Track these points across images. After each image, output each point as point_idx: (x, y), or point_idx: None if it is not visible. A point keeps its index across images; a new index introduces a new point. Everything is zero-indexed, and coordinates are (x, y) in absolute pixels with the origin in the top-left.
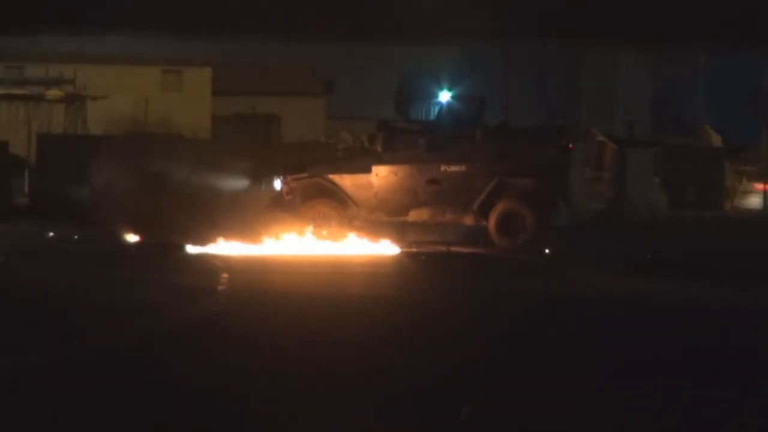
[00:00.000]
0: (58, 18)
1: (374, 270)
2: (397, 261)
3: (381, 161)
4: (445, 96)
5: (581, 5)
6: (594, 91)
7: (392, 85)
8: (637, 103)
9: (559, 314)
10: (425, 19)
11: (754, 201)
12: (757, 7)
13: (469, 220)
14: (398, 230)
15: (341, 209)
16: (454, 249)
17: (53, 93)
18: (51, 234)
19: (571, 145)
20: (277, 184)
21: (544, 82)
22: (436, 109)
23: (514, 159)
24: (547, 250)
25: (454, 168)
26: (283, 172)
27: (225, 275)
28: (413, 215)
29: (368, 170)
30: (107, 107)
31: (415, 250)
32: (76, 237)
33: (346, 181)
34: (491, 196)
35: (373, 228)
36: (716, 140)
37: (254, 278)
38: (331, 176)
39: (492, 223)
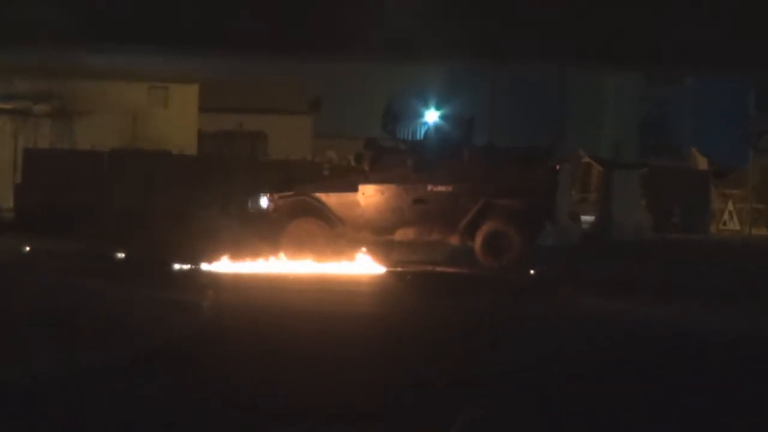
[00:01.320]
0: (47, 33)
1: (358, 289)
2: (382, 280)
3: (368, 180)
4: (432, 116)
5: (568, 27)
6: (581, 112)
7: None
8: (623, 125)
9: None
10: (413, 39)
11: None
12: (744, 31)
13: (455, 240)
14: (384, 249)
15: (327, 228)
16: (439, 269)
17: (40, 108)
18: (28, 248)
19: (558, 166)
20: (263, 201)
21: (531, 104)
22: (424, 129)
23: (501, 179)
24: (532, 271)
25: (440, 188)
26: (269, 189)
27: (211, 292)
28: (399, 234)
29: (355, 189)
30: (94, 122)
31: (400, 269)
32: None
33: (333, 199)
34: (477, 217)
35: (359, 247)
36: (703, 163)
37: (240, 296)
38: (317, 194)
39: (478, 243)
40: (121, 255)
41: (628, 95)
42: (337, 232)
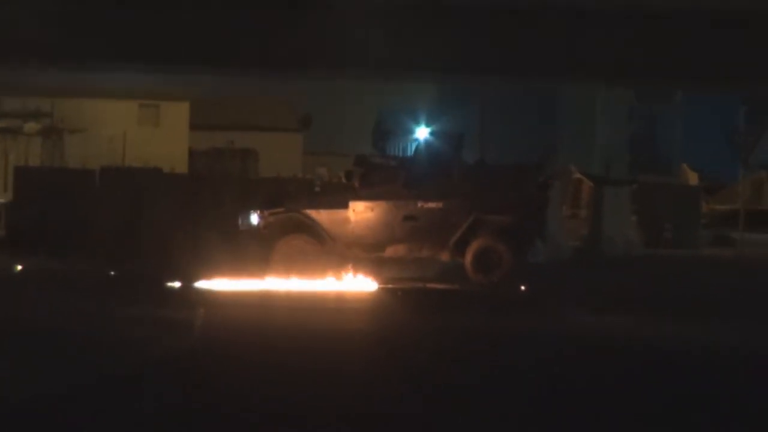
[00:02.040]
0: (35, 51)
1: (349, 306)
2: (374, 297)
3: (358, 197)
4: (422, 132)
5: (560, 44)
6: (571, 129)
7: (369, 122)
8: (613, 141)
9: (532, 353)
10: (403, 55)
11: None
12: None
13: (445, 257)
14: (375, 266)
15: (318, 244)
16: (430, 285)
17: (31, 126)
18: (20, 267)
19: (549, 182)
20: (254, 218)
21: (522, 120)
22: (414, 146)
23: (491, 196)
24: (522, 287)
25: (431, 204)
26: (260, 206)
27: (202, 309)
28: (390, 251)
29: (345, 206)
30: (85, 141)
31: (391, 286)
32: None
33: (323, 216)
34: (467, 233)
35: (350, 264)
36: (693, 179)
37: (231, 313)
38: (308, 211)
39: (468, 259)
40: (112, 273)
41: (618, 112)
42: (328, 249)
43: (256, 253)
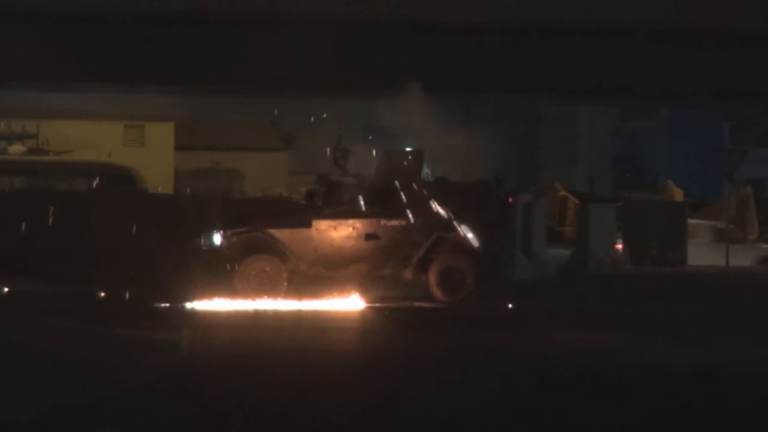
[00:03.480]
0: (20, 72)
1: (336, 325)
2: (361, 316)
3: (321, 215)
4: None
5: (540, 60)
6: (554, 145)
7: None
8: (597, 158)
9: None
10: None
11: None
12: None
13: (408, 275)
14: (338, 285)
15: (281, 263)
16: (417, 303)
17: (15, 148)
18: (6, 289)
19: (510, 199)
20: (217, 238)
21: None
22: (375, 164)
23: (453, 213)
24: (510, 305)
25: (393, 222)
26: (223, 226)
27: (187, 330)
28: (352, 269)
29: (309, 224)
30: None
31: (379, 305)
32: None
33: (287, 235)
34: (430, 251)
35: (314, 283)
36: (679, 195)
37: (218, 333)
38: (271, 230)
39: (432, 278)
40: (97, 294)
41: (602, 129)
42: (290, 268)
43: (219, 273)
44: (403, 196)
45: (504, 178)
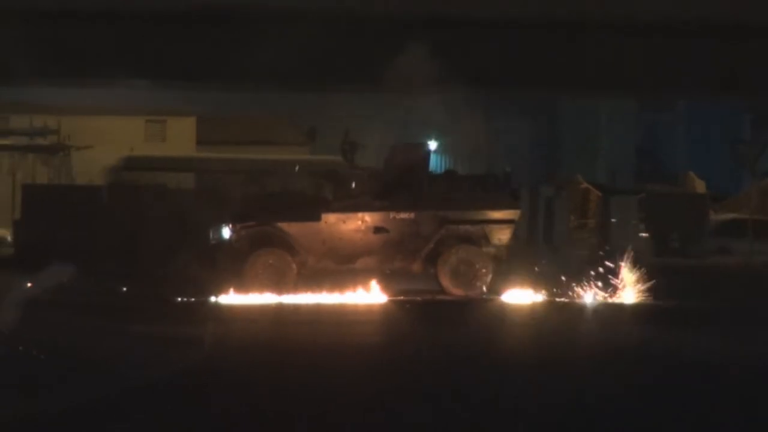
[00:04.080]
0: (42, 68)
1: (359, 318)
2: (383, 309)
3: (330, 209)
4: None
5: (562, 53)
6: (576, 139)
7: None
8: (619, 150)
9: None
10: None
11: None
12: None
13: (417, 268)
14: (346, 278)
15: (290, 257)
16: (439, 297)
17: (38, 143)
18: (29, 285)
19: (517, 191)
20: (226, 232)
21: (526, 131)
22: (384, 157)
23: (462, 206)
24: (529, 298)
25: (402, 215)
26: (232, 220)
27: (210, 325)
28: (361, 263)
29: (317, 218)
30: (92, 157)
31: (401, 298)
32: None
33: (295, 228)
34: (440, 244)
35: (323, 277)
36: (700, 187)
37: (240, 328)
38: (280, 224)
39: (443, 271)
40: (120, 289)
41: (623, 121)
42: (299, 261)
43: (229, 267)
44: (412, 189)
45: (512, 171)
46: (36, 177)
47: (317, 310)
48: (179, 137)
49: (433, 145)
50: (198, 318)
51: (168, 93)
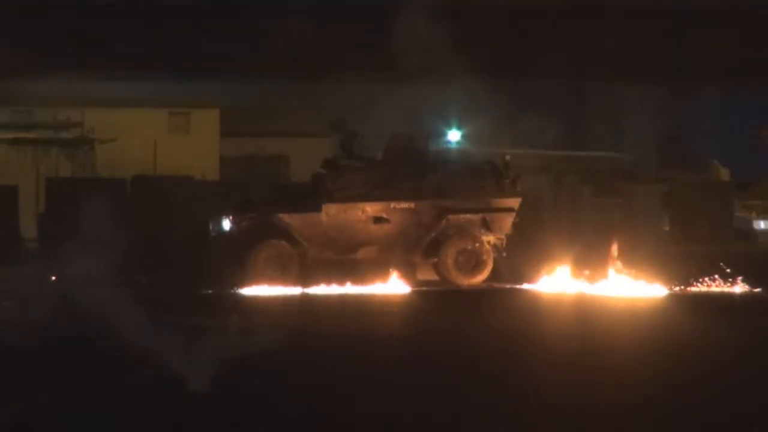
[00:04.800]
0: (66, 61)
1: (384, 309)
2: (408, 300)
3: (332, 199)
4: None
5: (587, 41)
6: (600, 127)
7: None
8: (643, 138)
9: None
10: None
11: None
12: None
13: (418, 258)
14: (348, 268)
15: (291, 248)
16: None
17: (61, 137)
18: (53, 278)
19: (517, 179)
20: (226, 224)
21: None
22: (383, 147)
23: (463, 195)
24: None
25: (402, 205)
26: (231, 211)
27: (236, 316)
28: (362, 253)
29: (318, 209)
30: (116, 150)
31: (425, 288)
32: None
33: (296, 219)
34: (441, 234)
35: (324, 267)
36: (725, 175)
37: (267, 319)
38: (281, 215)
39: (445, 259)
40: (144, 281)
41: (647, 109)
42: (300, 252)
43: (230, 259)
44: (412, 179)
45: (512, 159)
46: (59, 170)
47: (343, 300)
48: (203, 129)
49: (456, 134)
50: (224, 309)
51: (191, 85)
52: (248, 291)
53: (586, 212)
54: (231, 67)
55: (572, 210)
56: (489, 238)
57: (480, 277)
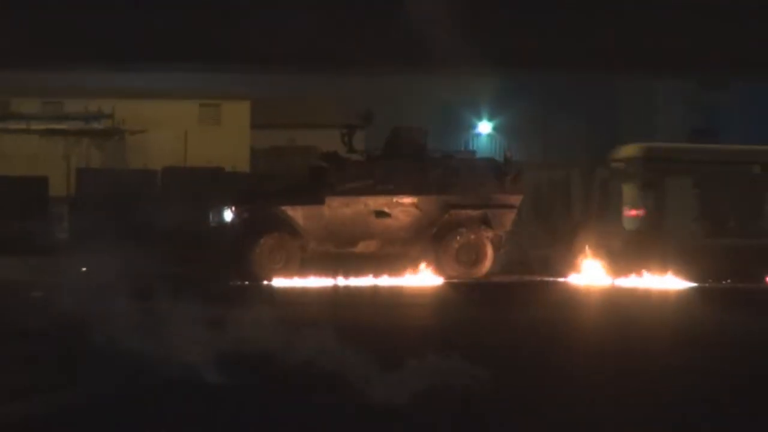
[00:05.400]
0: (97, 53)
1: (415, 301)
2: (439, 292)
3: (334, 192)
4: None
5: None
6: (632, 119)
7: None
8: (675, 131)
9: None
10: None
11: None
12: None
13: (419, 251)
14: (348, 262)
15: (292, 240)
16: (494, 279)
17: (92, 128)
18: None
19: (517, 175)
20: (227, 215)
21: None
22: (386, 140)
23: (464, 190)
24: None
25: (405, 199)
26: (232, 203)
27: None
28: (362, 246)
29: (320, 201)
30: (146, 141)
31: (456, 280)
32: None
33: (298, 212)
34: (443, 228)
35: (325, 259)
36: (756, 167)
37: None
38: (283, 207)
39: (447, 253)
40: (175, 273)
41: (679, 102)
42: (300, 245)
43: (232, 250)
44: (413, 173)
45: (512, 155)
46: (90, 161)
47: (373, 292)
48: (233, 121)
49: (487, 126)
50: (256, 300)
51: (222, 76)
52: (277, 282)
53: None
54: (262, 58)
55: None
56: (489, 234)
57: (480, 272)
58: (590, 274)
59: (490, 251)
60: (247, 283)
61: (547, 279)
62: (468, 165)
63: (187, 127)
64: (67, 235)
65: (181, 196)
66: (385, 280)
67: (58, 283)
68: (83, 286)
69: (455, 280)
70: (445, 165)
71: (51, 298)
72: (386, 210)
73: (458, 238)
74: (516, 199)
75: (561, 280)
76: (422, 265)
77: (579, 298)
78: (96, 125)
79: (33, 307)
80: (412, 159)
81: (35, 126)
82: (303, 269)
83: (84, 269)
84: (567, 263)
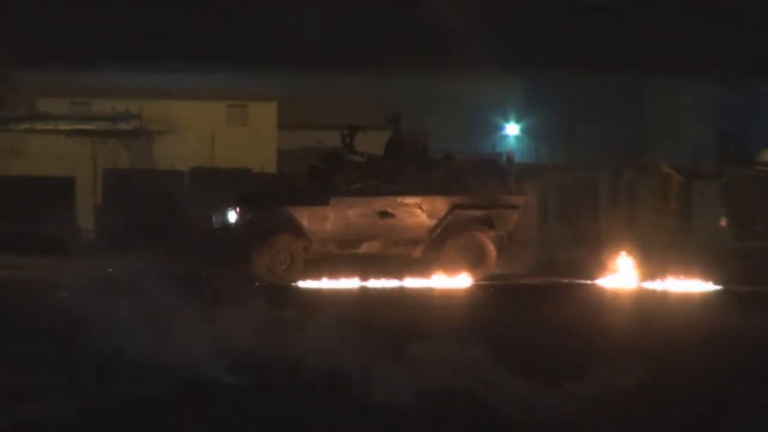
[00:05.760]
0: (124, 53)
1: (444, 303)
2: (469, 294)
3: (339, 193)
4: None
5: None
6: (658, 122)
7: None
8: (701, 133)
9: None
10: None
11: None
12: None
13: (421, 253)
14: (351, 263)
15: (297, 241)
16: (522, 281)
17: (119, 128)
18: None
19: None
20: (231, 216)
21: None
22: (386, 141)
23: (466, 191)
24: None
25: (408, 200)
26: (236, 203)
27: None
28: (365, 247)
29: (324, 202)
30: (173, 142)
31: (484, 282)
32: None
33: (303, 212)
34: (447, 229)
35: (328, 261)
36: None
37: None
38: (288, 208)
39: (449, 254)
40: (203, 274)
41: (705, 103)
42: (304, 246)
43: (236, 251)
44: (415, 173)
45: (513, 156)
46: (117, 162)
47: (402, 294)
48: (260, 122)
49: (514, 128)
50: (285, 303)
51: (249, 77)
52: (305, 284)
53: None
54: (290, 59)
55: None
56: (492, 234)
57: (482, 274)
58: (621, 276)
59: (493, 252)
60: (266, 284)
61: (575, 281)
62: (470, 166)
63: (214, 127)
64: (93, 235)
65: (209, 196)
66: (408, 282)
67: (83, 284)
68: (108, 287)
69: (484, 282)
70: (447, 166)
71: (76, 299)
72: (390, 211)
73: (461, 238)
74: (519, 200)
75: (590, 282)
76: (438, 268)
77: (618, 302)
78: (123, 126)
79: (58, 307)
80: (414, 159)
81: (62, 126)
82: (305, 271)
83: (110, 270)
84: (596, 265)
